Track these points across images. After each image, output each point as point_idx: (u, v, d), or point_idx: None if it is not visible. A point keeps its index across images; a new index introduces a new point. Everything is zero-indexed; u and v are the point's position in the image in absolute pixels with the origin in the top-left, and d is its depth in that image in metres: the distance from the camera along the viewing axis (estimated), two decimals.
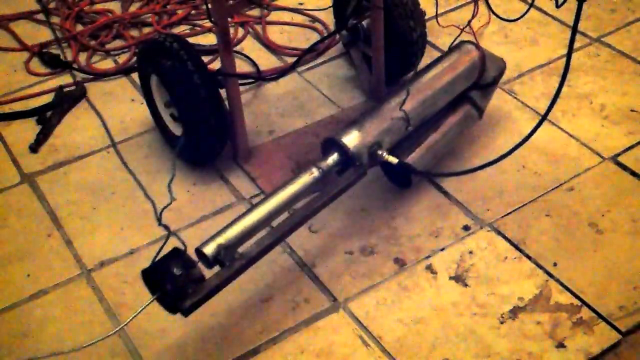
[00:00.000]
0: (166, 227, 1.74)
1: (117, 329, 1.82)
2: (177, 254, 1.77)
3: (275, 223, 2.01)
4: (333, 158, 2.11)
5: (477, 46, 2.40)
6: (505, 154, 2.04)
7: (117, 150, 2.60)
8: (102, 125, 2.71)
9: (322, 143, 2.16)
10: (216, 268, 1.86)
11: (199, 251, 1.84)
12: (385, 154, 2.14)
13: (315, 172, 2.06)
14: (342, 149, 2.10)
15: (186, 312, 1.78)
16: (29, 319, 2.09)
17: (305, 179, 2.04)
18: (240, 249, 1.90)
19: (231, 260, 1.85)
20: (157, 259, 1.76)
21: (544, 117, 1.91)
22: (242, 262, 1.87)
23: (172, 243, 1.83)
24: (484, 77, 2.44)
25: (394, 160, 2.14)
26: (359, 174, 2.11)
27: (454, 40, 2.38)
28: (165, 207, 1.75)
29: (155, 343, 2.01)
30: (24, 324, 2.07)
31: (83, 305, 2.12)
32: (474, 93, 2.45)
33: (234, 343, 2.00)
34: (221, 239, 1.86)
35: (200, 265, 1.83)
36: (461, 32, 2.31)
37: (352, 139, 2.11)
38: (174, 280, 1.73)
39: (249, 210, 1.96)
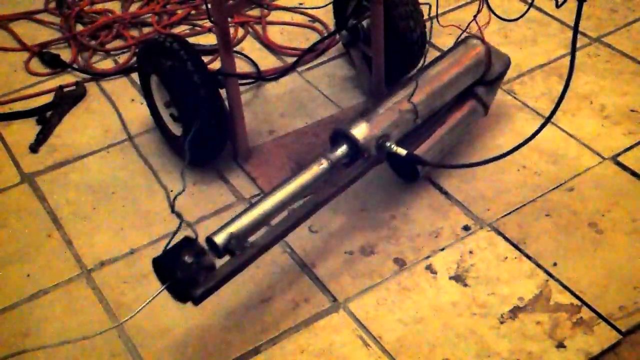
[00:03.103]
0: (179, 215, 1.74)
1: (125, 320, 1.80)
2: (188, 243, 1.78)
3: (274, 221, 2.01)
4: (342, 150, 2.13)
5: (483, 41, 2.41)
6: (512, 150, 2.04)
7: (134, 144, 2.62)
8: (118, 117, 2.73)
9: (330, 135, 2.18)
10: (226, 258, 1.87)
11: (209, 240, 1.86)
12: (393, 146, 2.16)
13: (324, 163, 2.09)
14: (351, 141, 2.13)
15: (197, 301, 1.78)
16: (29, 319, 2.09)
17: (314, 170, 2.07)
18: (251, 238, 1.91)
19: (242, 249, 1.87)
20: (168, 247, 1.76)
21: (548, 118, 1.91)
22: (253, 251, 1.89)
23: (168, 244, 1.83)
24: (489, 73, 2.46)
25: (402, 151, 2.15)
26: (368, 166, 2.14)
27: (458, 37, 2.39)
28: (178, 194, 1.76)
29: (156, 343, 2.01)
30: (24, 324, 2.07)
31: (83, 305, 2.12)
32: (479, 89, 2.47)
33: (234, 343, 2.00)
34: (232, 228, 1.88)
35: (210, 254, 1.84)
36: (466, 28, 2.31)
37: (361, 131, 2.13)
38: (185, 269, 1.74)
39: (259, 200, 1.98)
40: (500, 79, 2.54)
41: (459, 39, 2.44)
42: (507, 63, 2.53)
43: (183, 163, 2.01)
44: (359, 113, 2.22)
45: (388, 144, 2.16)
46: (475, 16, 2.24)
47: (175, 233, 1.78)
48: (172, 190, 2.42)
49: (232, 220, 1.91)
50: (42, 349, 1.95)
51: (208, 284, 1.78)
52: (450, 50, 2.44)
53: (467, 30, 2.38)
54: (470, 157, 2.47)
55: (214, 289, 1.81)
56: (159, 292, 1.75)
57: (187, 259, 1.75)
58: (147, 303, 1.76)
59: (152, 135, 2.65)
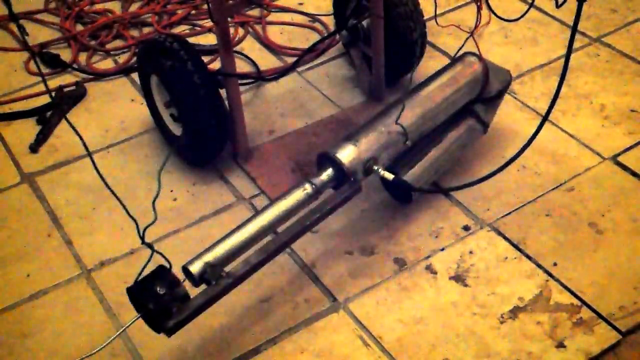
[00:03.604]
0: (149, 246, 1.70)
1: (108, 341, 1.78)
2: (162, 272, 1.74)
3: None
4: (327, 174, 2.05)
5: (480, 58, 2.35)
6: (504, 165, 2.03)
7: (92, 160, 2.57)
8: (82, 136, 2.65)
9: (317, 157, 2.10)
10: (203, 287, 1.83)
11: (185, 269, 1.81)
12: (381, 170, 2.08)
13: (308, 189, 2.00)
14: (337, 165, 2.04)
15: (169, 332, 1.75)
16: (29, 319, 2.09)
17: (298, 196, 1.99)
18: (228, 267, 1.86)
19: (217, 279, 1.81)
20: (141, 276, 1.73)
21: (544, 120, 1.91)
22: (229, 281, 1.82)
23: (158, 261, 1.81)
24: (487, 90, 2.39)
25: (389, 176, 2.07)
26: (354, 191, 2.05)
27: (459, 50, 2.34)
28: (148, 226, 1.72)
29: (156, 343, 2.00)
30: (24, 324, 2.07)
31: (83, 305, 2.12)
32: (478, 106, 2.40)
33: (234, 343, 2.00)
34: (208, 257, 1.82)
35: (186, 283, 1.80)
36: (466, 40, 2.26)
37: (347, 155, 2.05)
38: (158, 300, 1.71)
39: (238, 228, 1.91)
40: (501, 97, 2.45)
41: (456, 56, 2.38)
42: (507, 80, 2.44)
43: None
44: (346, 135, 2.13)
45: (376, 167, 2.08)
46: (472, 32, 2.22)
47: (145, 264, 1.72)
48: (176, 195, 2.42)
49: (209, 248, 1.85)
50: (43, 341, 1.94)
51: (180, 316, 1.74)
52: (447, 67, 2.37)
53: (465, 42, 2.34)
54: (469, 159, 2.47)
55: (187, 320, 1.76)
56: (133, 322, 1.72)
57: (160, 289, 1.71)
58: (128, 326, 1.73)
59: (152, 135, 2.65)
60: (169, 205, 2.38)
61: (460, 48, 2.31)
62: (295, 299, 2.10)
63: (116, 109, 2.80)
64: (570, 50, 1.78)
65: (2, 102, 2.86)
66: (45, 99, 2.85)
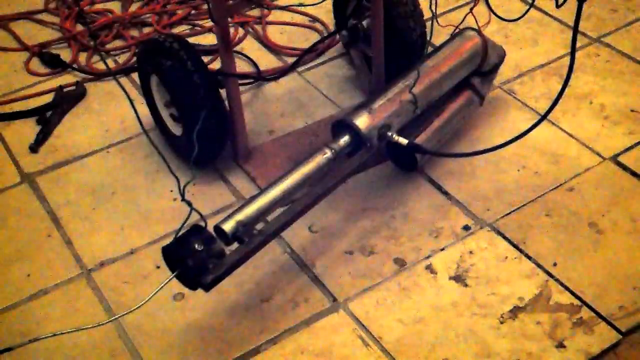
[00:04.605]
0: (189, 203, 1.77)
1: (132, 310, 1.81)
2: (198, 230, 1.80)
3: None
4: (344, 139, 2.17)
5: (479, 33, 2.44)
6: (510, 140, 2.07)
7: (148, 135, 2.59)
8: (133, 111, 2.70)
9: (332, 125, 2.23)
10: (234, 246, 1.90)
11: (217, 228, 1.88)
12: (395, 135, 2.20)
13: (327, 153, 2.13)
14: (353, 131, 2.16)
15: (207, 287, 1.80)
16: (29, 319, 2.09)
17: (318, 159, 2.11)
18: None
19: (250, 236, 1.89)
20: (178, 235, 1.79)
21: (548, 112, 1.92)
22: (261, 239, 1.91)
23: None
24: (485, 64, 2.48)
25: (404, 141, 2.19)
26: (370, 158, 2.17)
27: (455, 29, 2.41)
28: (188, 183, 1.83)
29: (156, 343, 2.01)
30: (24, 324, 2.07)
31: (83, 305, 2.12)
32: (475, 79, 2.49)
33: (234, 343, 2.00)
34: (240, 216, 1.92)
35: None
36: (462, 21, 2.33)
37: (362, 121, 2.17)
38: (195, 256, 1.76)
39: (265, 189, 2.02)
40: (496, 70, 2.57)
41: (455, 32, 2.47)
42: (502, 54, 2.57)
43: (191, 154, 2.01)
44: (360, 104, 2.25)
45: (389, 133, 2.20)
46: (471, 9, 2.24)
47: (185, 221, 1.79)
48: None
49: (240, 208, 1.95)
50: (42, 341, 1.94)
51: (218, 271, 1.80)
52: (448, 42, 2.48)
53: (462, 25, 2.40)
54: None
55: (224, 275, 1.83)
56: (170, 279, 1.77)
57: (197, 246, 1.77)
58: (158, 290, 1.76)
59: (152, 135, 2.65)
60: (169, 205, 2.39)
61: (461, 22, 2.39)
62: (295, 299, 2.10)
63: (116, 109, 2.80)
64: (574, 51, 1.78)
65: (2, 102, 2.86)
66: (45, 99, 2.85)
